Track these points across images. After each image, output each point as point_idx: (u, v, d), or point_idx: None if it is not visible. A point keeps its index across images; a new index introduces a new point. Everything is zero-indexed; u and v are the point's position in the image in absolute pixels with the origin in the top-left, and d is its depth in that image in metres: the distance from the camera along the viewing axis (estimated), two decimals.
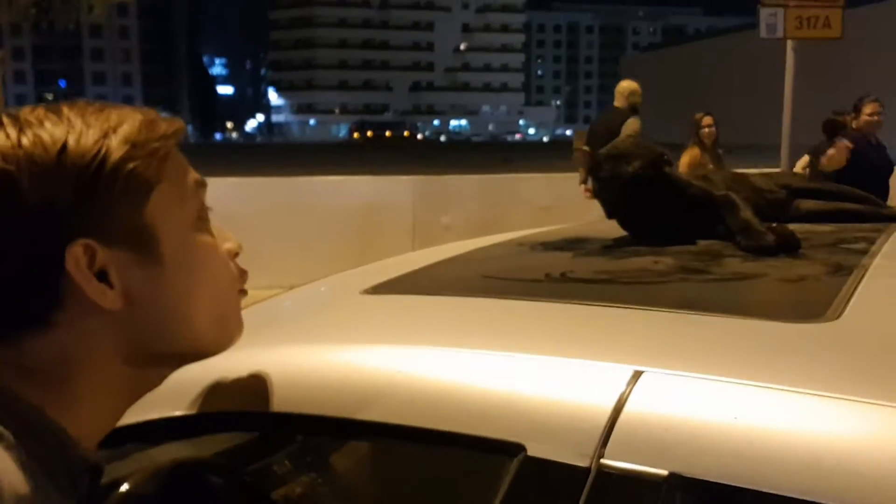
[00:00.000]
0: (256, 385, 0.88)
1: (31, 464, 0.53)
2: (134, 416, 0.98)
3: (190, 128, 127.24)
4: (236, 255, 0.68)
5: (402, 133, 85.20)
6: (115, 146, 0.58)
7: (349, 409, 0.80)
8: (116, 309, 0.59)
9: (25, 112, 0.60)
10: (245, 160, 28.36)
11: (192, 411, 0.93)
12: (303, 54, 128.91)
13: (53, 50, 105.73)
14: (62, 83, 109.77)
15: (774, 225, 1.26)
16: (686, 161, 6.53)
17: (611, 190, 1.38)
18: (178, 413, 0.95)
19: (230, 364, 0.96)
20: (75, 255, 0.56)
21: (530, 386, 0.77)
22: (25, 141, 0.57)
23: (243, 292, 0.69)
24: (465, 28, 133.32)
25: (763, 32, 7.36)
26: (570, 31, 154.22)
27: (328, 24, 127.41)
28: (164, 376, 0.67)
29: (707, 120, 6.62)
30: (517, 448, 0.73)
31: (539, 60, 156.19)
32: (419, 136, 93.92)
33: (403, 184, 8.44)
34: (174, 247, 0.61)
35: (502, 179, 8.91)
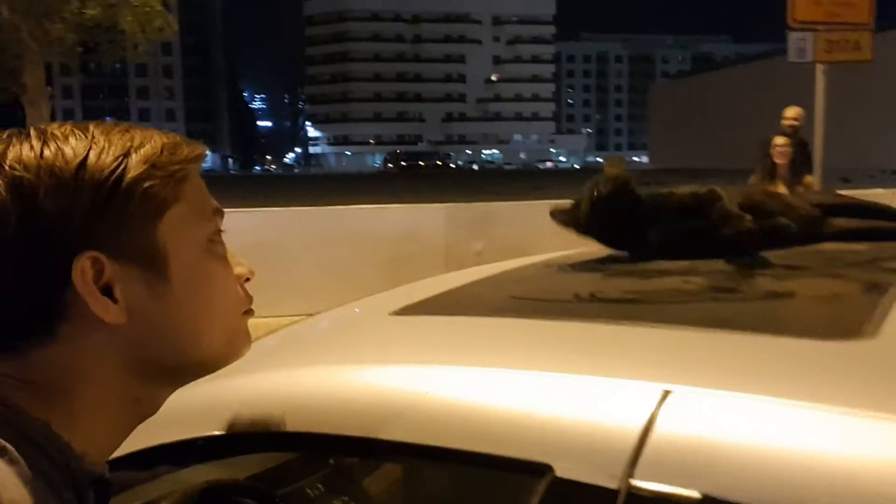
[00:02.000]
0: (285, 405, 0.88)
1: (34, 478, 0.53)
2: (165, 436, 0.99)
3: (230, 160, 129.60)
4: (247, 279, 0.69)
5: (436, 162, 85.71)
6: (134, 164, 0.60)
7: (376, 428, 0.80)
8: (119, 324, 0.59)
9: (53, 127, 0.62)
10: (284, 191, 28.78)
11: (223, 431, 0.94)
12: (338, 88, 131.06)
13: (101, 88, 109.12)
14: (110, 119, 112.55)
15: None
16: (752, 182, 6.32)
17: (591, 217, 1.38)
18: (208, 433, 0.95)
19: (260, 385, 0.97)
20: (82, 268, 0.57)
21: (558, 405, 0.76)
22: (48, 153, 0.59)
23: (249, 313, 0.69)
24: (496, 60, 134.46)
25: (792, 56, 7.31)
26: (600, 60, 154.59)
27: (363, 59, 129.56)
28: (170, 392, 0.67)
29: (780, 140, 6.38)
30: (545, 468, 0.72)
31: (569, 90, 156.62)
32: (452, 166, 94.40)
33: (435, 211, 8.47)
34: (182, 266, 0.62)
35: (534, 206, 8.87)
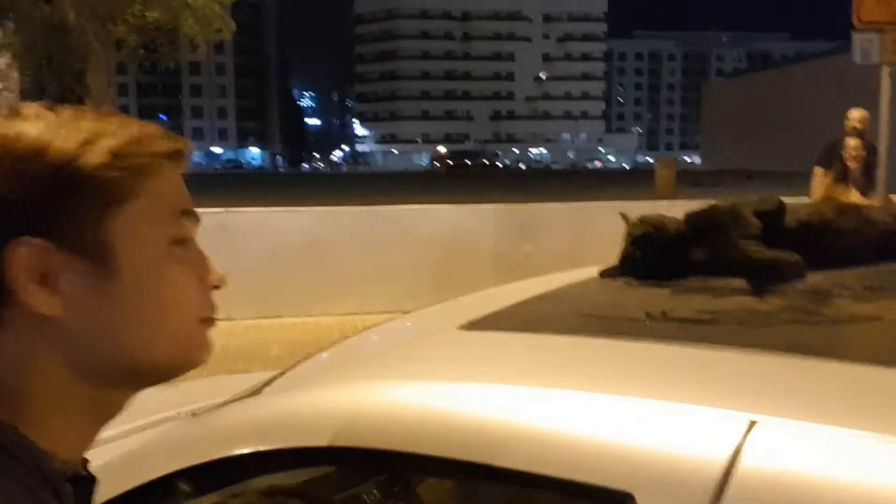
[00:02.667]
0: (359, 421, 0.89)
1: (6, 482, 0.53)
2: (224, 451, 1.00)
3: (279, 158, 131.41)
4: (215, 287, 0.65)
5: (483, 161, 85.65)
6: (96, 153, 0.58)
7: (451, 448, 0.80)
8: (55, 316, 0.57)
9: (28, 106, 0.62)
10: (332, 189, 29.08)
11: (290, 445, 0.95)
12: (387, 86, 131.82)
13: (155, 86, 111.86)
14: (163, 117, 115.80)
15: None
16: (820, 191, 6.09)
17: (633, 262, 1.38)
18: (274, 447, 0.96)
19: (331, 399, 0.98)
20: (18, 254, 0.55)
21: (641, 432, 0.74)
22: (11, 132, 0.58)
23: (208, 321, 0.65)
24: (546, 57, 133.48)
25: (858, 58, 7.08)
26: (652, 58, 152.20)
27: (411, 57, 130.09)
28: (127, 396, 0.64)
29: (853, 143, 6.12)
30: (626, 497, 0.71)
31: (620, 88, 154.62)
32: (499, 165, 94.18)
33: (485, 212, 8.46)
34: (133, 265, 0.59)
35: (583, 207, 8.81)
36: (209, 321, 0.65)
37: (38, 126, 0.58)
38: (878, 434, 0.69)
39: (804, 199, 6.02)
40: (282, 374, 1.15)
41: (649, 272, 1.33)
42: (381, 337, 1.30)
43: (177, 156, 0.62)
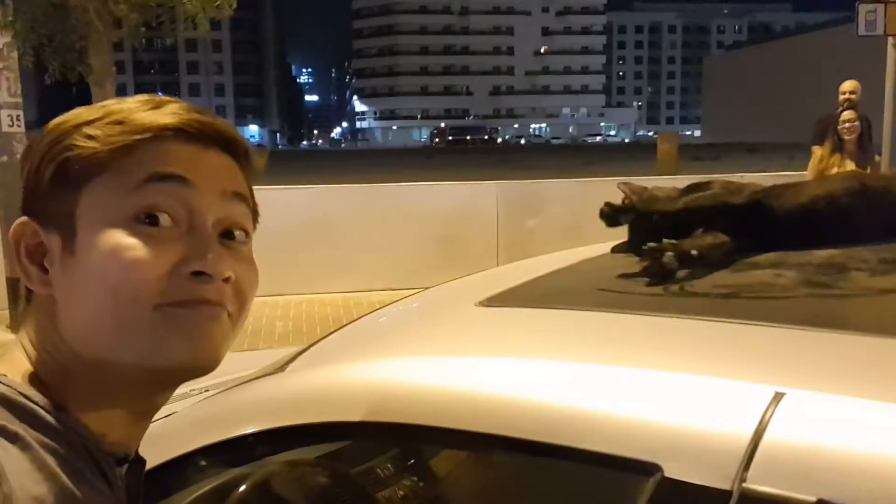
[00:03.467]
0: (383, 396, 0.90)
1: (49, 463, 0.52)
2: (253, 425, 1.01)
3: (278, 136, 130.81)
4: (200, 273, 0.57)
5: (483, 137, 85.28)
6: (66, 130, 0.59)
7: (478, 422, 0.81)
8: (43, 294, 0.58)
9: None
10: (331, 166, 29.00)
11: (315, 420, 0.96)
12: (385, 61, 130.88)
13: (152, 64, 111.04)
14: (160, 95, 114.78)
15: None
16: (816, 164, 6.08)
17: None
18: (298, 423, 0.97)
19: (354, 375, 0.99)
20: (18, 233, 0.58)
21: (667, 404, 0.75)
22: (50, 124, 0.60)
23: (178, 305, 0.56)
24: (545, 31, 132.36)
25: (862, 30, 7.03)
26: (652, 31, 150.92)
27: (410, 32, 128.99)
28: (146, 393, 0.60)
29: (847, 115, 6.10)
30: (653, 468, 0.72)
31: (620, 62, 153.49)
32: (499, 140, 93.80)
33: (487, 188, 8.45)
34: (87, 241, 0.56)
35: (586, 183, 8.79)
36: (177, 308, 0.56)
37: (61, 117, 0.60)
38: None
39: (804, 175, 6.00)
40: (304, 350, 1.16)
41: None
42: (400, 314, 1.31)
43: (161, 128, 0.58)
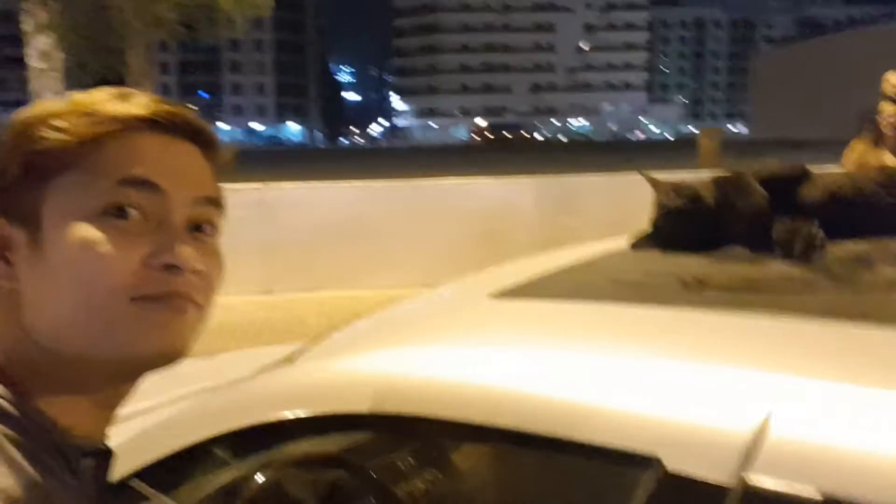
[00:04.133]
0: (390, 387, 0.90)
1: (14, 455, 0.52)
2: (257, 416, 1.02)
3: (319, 134, 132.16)
4: (171, 266, 0.57)
5: (522, 134, 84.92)
6: (32, 122, 0.58)
7: (480, 414, 0.81)
8: (10, 287, 0.57)
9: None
10: (370, 163, 29.17)
11: (324, 412, 0.96)
12: (426, 60, 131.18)
13: (196, 64, 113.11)
14: (203, 94, 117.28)
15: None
16: (853, 157, 5.86)
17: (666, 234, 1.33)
18: (308, 414, 0.98)
19: (362, 365, 0.99)
20: None
21: (668, 396, 0.74)
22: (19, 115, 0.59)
23: (150, 301, 0.57)
24: (588, 28, 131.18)
25: None
26: (697, 26, 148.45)
27: (450, 30, 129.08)
28: (114, 383, 0.60)
29: (889, 109, 5.84)
30: (653, 461, 0.71)
31: (664, 57, 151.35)
32: (539, 137, 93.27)
33: (524, 185, 8.41)
34: (55, 235, 0.56)
35: (624, 179, 8.68)
36: (150, 300, 0.56)
37: (23, 110, 0.59)
38: None
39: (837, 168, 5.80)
40: (314, 343, 1.16)
41: (684, 245, 1.30)
42: (413, 306, 1.31)
43: (134, 119, 0.57)
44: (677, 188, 1.35)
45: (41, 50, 5.33)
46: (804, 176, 1.33)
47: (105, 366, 0.57)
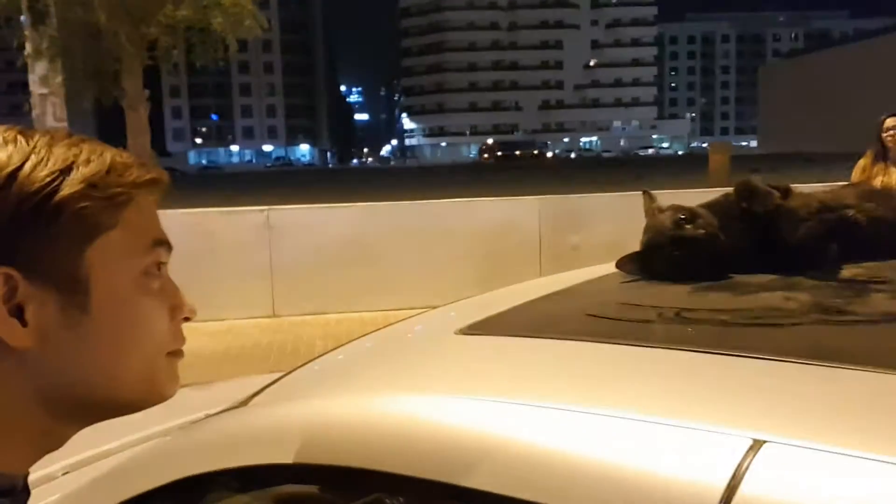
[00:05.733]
0: (325, 437, 0.83)
1: None
2: (207, 465, 0.95)
3: (329, 154, 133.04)
4: (186, 319, 0.64)
5: (532, 152, 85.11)
6: (70, 182, 0.56)
7: (420, 468, 0.73)
8: (25, 348, 0.55)
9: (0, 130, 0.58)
10: (379, 184, 29.25)
11: (274, 461, 0.89)
12: (434, 79, 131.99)
13: (206, 87, 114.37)
14: (214, 117, 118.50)
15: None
16: (857, 171, 5.78)
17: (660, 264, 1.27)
18: (258, 462, 0.91)
19: (306, 413, 0.92)
20: None
21: (632, 454, 0.66)
22: None
23: (178, 354, 0.64)
24: (595, 44, 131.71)
25: None
26: (705, 41, 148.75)
27: (458, 49, 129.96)
28: (80, 428, 0.62)
29: (891, 122, 5.74)
30: None
31: (672, 73, 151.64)
32: (549, 155, 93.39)
33: (530, 204, 8.35)
34: (105, 298, 0.57)
35: (630, 197, 8.61)
36: (178, 354, 0.63)
37: (8, 152, 0.55)
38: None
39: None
40: (273, 383, 1.10)
41: (683, 277, 1.22)
42: (377, 343, 1.24)
43: (151, 185, 0.61)
44: (673, 218, 1.28)
45: (41, 75, 5.34)
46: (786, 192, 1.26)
47: (114, 411, 0.61)
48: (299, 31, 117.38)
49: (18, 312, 0.55)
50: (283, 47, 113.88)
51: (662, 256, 1.28)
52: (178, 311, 0.62)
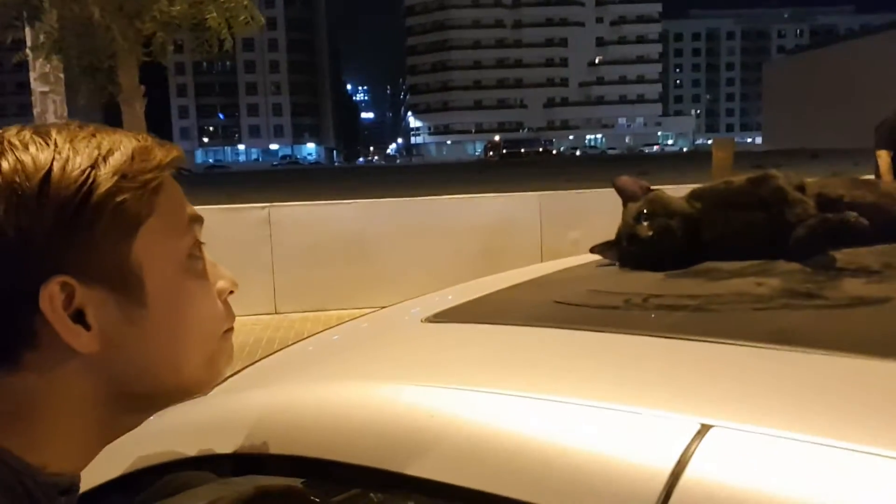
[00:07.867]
0: (289, 425, 0.81)
1: None
2: (175, 452, 0.94)
3: (335, 153, 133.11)
4: (230, 293, 0.64)
5: (537, 150, 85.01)
6: (104, 177, 0.54)
7: (369, 456, 0.72)
8: (92, 352, 0.55)
9: (11, 133, 0.56)
10: (384, 181, 29.26)
11: (232, 450, 0.88)
12: (439, 77, 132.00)
13: (213, 86, 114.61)
14: (221, 116, 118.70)
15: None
16: (884, 167, 5.74)
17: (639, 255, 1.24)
18: (224, 451, 0.90)
19: (263, 401, 0.90)
20: (50, 294, 0.52)
21: (577, 439, 0.64)
22: (6, 166, 0.52)
23: (231, 331, 0.64)
24: (600, 41, 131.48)
25: None
26: (710, 38, 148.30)
27: (463, 47, 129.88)
28: (145, 419, 0.62)
29: None
30: None
31: (677, 70, 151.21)
32: (554, 152, 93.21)
33: (530, 199, 8.33)
34: (159, 288, 0.57)
35: None
36: (231, 331, 0.63)
37: (32, 155, 0.53)
38: (860, 447, 0.57)
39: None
40: (237, 373, 1.09)
41: (643, 268, 1.20)
42: (344, 333, 1.22)
43: (175, 163, 0.59)
44: (649, 214, 1.26)
45: (41, 72, 5.34)
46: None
47: (178, 398, 0.61)
48: (305, 29, 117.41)
49: (80, 318, 0.54)
50: (288, 46, 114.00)
51: (621, 250, 1.28)
52: (223, 288, 0.62)
